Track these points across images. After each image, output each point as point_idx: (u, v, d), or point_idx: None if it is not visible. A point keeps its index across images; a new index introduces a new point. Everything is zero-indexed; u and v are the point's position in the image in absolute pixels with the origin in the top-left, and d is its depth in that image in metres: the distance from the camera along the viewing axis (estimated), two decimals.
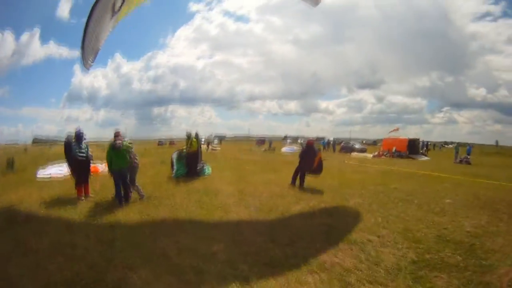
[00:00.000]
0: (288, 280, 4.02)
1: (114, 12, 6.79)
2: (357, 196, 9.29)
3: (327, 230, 6.06)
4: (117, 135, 8.47)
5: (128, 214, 7.17)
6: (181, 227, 6.23)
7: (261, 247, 5.17)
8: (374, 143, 60.72)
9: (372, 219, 6.87)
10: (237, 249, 5.06)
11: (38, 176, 13.41)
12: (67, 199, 8.66)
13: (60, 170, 14.03)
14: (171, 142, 69.45)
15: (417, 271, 4.32)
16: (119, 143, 8.26)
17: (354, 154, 33.90)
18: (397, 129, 36.96)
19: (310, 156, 11.17)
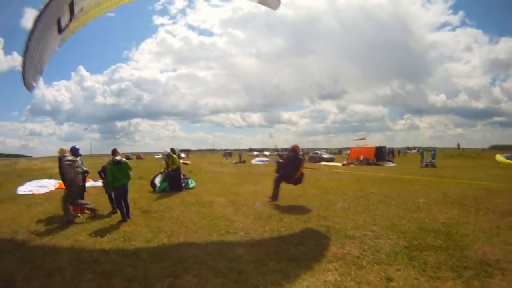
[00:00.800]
0: (314, 269, 4.86)
1: (60, 30, 6.47)
2: (341, 201, 10.44)
3: (327, 230, 7.06)
4: (114, 152, 8.92)
5: (136, 229, 7.55)
6: (196, 236, 6.83)
7: (277, 247, 5.95)
8: (339, 152, 62.98)
9: (361, 219, 8.00)
10: (258, 251, 5.79)
11: (18, 192, 13.59)
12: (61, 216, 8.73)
13: (40, 186, 14.52)
14: (138, 157, 69.15)
15: (410, 253, 5.46)
16: (120, 158, 8.75)
17: (323, 163, 35.52)
18: (364, 139, 39.04)
19: (296, 165, 10.62)
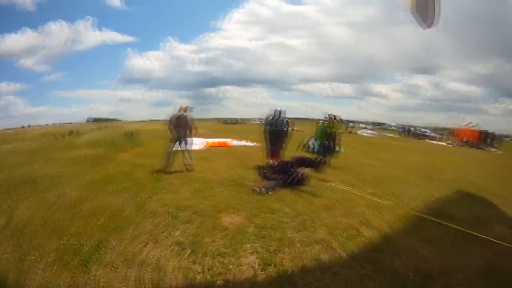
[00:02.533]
0: None
1: None
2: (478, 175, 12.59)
3: None
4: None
5: None
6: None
7: None
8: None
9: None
10: None
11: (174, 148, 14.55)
12: None
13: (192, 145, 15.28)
14: (236, 122, 75.48)
15: None
16: None
17: (428, 141, 38.50)
18: (472, 124, 40.64)
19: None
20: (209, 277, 3.88)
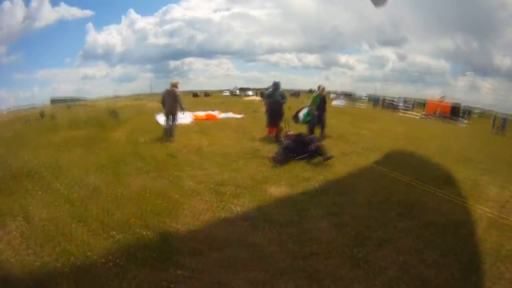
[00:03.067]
0: None
1: None
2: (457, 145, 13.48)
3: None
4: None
5: None
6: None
7: None
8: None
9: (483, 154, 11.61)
10: None
11: (161, 123, 13.40)
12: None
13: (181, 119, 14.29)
14: (206, 94, 73.52)
15: None
16: None
17: (401, 113, 39.52)
18: (443, 97, 41.99)
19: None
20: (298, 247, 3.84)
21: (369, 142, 11.42)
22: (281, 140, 8.89)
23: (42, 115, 23.77)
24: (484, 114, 45.62)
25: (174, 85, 10.80)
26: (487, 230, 4.50)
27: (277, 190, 5.62)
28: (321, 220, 4.55)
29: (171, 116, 10.67)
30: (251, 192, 5.48)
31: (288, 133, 9.20)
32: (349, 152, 9.26)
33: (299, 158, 7.82)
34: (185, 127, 13.32)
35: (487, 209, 5.24)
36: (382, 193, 5.80)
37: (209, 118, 17.12)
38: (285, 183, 6.07)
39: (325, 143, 9.79)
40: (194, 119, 16.11)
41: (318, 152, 8.00)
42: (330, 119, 16.58)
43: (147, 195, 5.30)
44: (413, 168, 7.90)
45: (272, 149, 8.78)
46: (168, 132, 10.64)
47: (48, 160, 8.00)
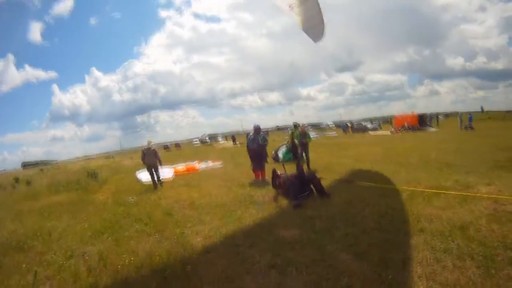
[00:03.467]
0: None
1: None
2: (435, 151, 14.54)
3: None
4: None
5: None
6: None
7: None
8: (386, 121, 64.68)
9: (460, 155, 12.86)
10: None
11: (143, 181, 14.10)
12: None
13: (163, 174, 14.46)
14: (177, 145, 73.51)
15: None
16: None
17: (371, 133, 40.68)
18: (413, 112, 43.56)
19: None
20: None
21: (354, 169, 11.87)
22: (279, 184, 8.84)
23: (16, 180, 23.64)
24: (449, 116, 48.58)
25: (149, 143, 12.96)
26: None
27: (288, 233, 5.61)
28: (341, 254, 4.60)
29: (153, 170, 12.48)
30: (264, 239, 5.46)
31: (282, 174, 9.13)
32: (341, 181, 9.67)
33: (303, 197, 7.76)
34: (170, 182, 13.36)
35: None
36: (390, 214, 6.10)
37: (189, 170, 17.05)
38: (292, 225, 6.07)
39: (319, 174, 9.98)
40: (175, 174, 15.96)
41: (320, 187, 8.00)
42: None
43: (157, 259, 5.18)
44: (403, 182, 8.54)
45: (265, 193, 8.94)
46: (155, 184, 12.42)
47: (35, 229, 7.90)
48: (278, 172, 9.42)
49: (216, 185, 11.38)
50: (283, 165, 10.35)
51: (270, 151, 16.64)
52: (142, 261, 5.18)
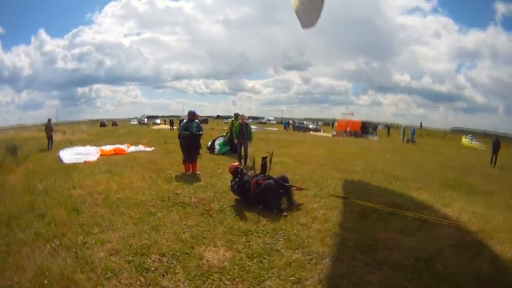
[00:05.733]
0: None
1: None
2: (380, 162, 15.00)
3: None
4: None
5: None
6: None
7: None
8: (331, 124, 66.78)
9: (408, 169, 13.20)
10: None
11: (65, 161, 13.30)
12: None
13: (85, 154, 14.34)
14: (114, 123, 71.35)
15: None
16: None
17: (312, 133, 41.01)
18: (352, 114, 44.92)
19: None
20: None
21: (296, 171, 11.12)
22: (247, 187, 7.09)
23: None
24: (388, 126, 50.88)
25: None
26: None
27: (214, 256, 4.64)
28: None
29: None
30: (182, 263, 4.44)
31: (252, 174, 7.52)
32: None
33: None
34: (92, 165, 12.06)
35: None
36: (342, 236, 5.49)
37: (117, 152, 15.77)
38: (221, 242, 5.13)
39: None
40: (101, 154, 14.77)
41: (290, 195, 7.01)
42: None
43: (46, 283, 4.01)
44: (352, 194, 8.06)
45: (193, 193, 7.93)
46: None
47: None
48: (249, 172, 7.74)
49: (140, 175, 10.17)
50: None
51: (206, 141, 16.13)
52: (28, 285, 4.03)
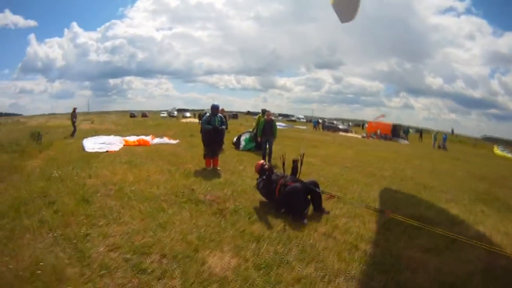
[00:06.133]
0: None
1: None
2: (409, 169, 14.51)
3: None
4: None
5: None
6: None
7: None
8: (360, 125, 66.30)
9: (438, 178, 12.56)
10: None
11: (87, 150, 13.25)
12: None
13: (108, 144, 14.39)
14: (144, 115, 73.40)
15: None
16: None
17: (342, 133, 40.29)
18: (384, 116, 44.02)
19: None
20: None
21: (321, 173, 10.76)
22: (272, 188, 6.63)
23: None
24: (420, 131, 49.98)
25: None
26: None
27: (218, 263, 4.26)
28: None
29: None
30: (182, 267, 4.08)
31: (279, 175, 6.98)
32: None
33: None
34: (113, 155, 11.95)
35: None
36: (362, 250, 5.01)
37: (141, 144, 15.71)
38: (229, 247, 4.74)
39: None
40: (125, 145, 14.81)
41: (320, 201, 6.53)
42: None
43: (39, 273, 3.80)
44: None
45: (210, 189, 7.67)
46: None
47: None
48: (275, 171, 7.21)
49: (160, 168, 9.95)
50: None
51: (232, 136, 16.10)
52: (23, 273, 3.83)
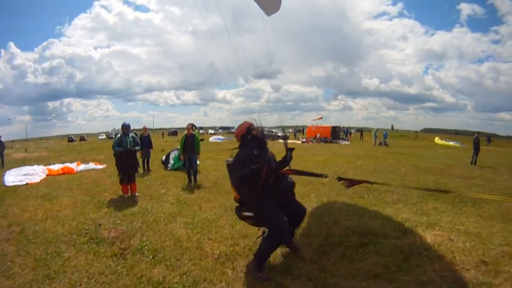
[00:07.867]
0: None
1: None
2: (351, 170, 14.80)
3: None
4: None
5: None
6: None
7: None
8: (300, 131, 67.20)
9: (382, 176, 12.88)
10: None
11: (7, 184, 12.48)
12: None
13: (27, 175, 13.61)
14: (82, 138, 70.86)
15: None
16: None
17: (280, 141, 40.67)
18: (321, 117, 44.91)
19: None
20: None
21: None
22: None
23: None
24: (361, 130, 51.89)
25: None
26: None
27: None
28: None
29: None
30: None
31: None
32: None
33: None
34: (31, 188, 11.43)
35: None
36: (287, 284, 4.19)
37: (65, 172, 15.17)
38: None
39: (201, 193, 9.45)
40: (48, 174, 14.23)
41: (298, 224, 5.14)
42: (205, 160, 16.83)
43: None
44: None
45: (118, 222, 7.24)
46: None
47: None
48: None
49: (74, 200, 9.51)
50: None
51: (162, 155, 16.17)
52: None
